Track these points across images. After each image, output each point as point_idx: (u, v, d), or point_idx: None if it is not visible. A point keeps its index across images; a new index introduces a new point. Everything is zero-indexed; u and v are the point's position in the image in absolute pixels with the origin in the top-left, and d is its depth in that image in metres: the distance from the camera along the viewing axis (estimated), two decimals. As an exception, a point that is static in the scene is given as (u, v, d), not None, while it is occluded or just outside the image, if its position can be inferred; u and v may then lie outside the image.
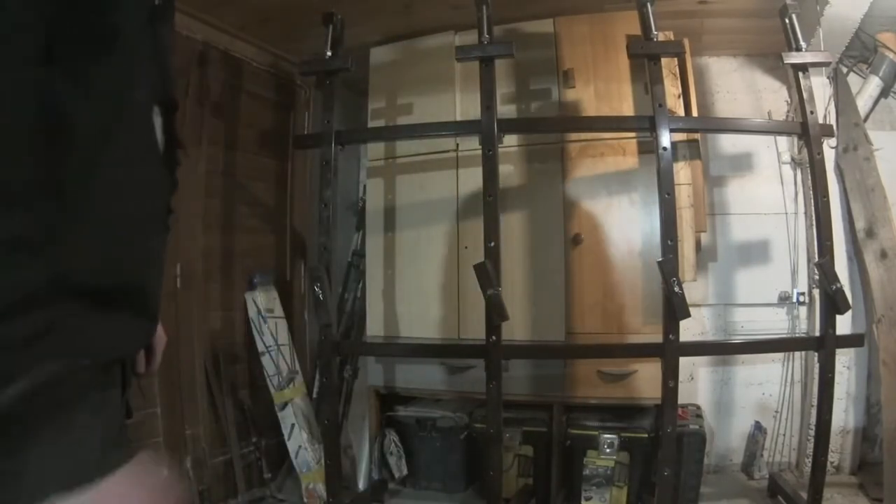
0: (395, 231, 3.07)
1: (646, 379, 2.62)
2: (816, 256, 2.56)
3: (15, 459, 0.50)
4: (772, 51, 3.03)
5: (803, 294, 3.16)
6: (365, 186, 3.33)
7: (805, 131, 2.47)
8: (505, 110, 2.80)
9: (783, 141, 3.25)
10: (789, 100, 3.25)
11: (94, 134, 0.60)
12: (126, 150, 0.65)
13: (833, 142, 2.98)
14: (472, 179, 2.75)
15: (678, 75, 2.76)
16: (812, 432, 2.79)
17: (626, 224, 2.79)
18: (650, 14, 2.40)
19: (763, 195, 3.24)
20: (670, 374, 2.29)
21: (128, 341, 0.68)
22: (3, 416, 0.48)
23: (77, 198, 0.58)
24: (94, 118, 0.60)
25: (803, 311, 3.18)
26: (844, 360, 2.96)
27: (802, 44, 2.48)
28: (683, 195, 2.66)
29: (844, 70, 3.15)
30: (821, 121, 2.64)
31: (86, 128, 0.59)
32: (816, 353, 2.48)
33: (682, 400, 2.47)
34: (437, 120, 2.82)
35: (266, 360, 2.98)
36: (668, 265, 2.24)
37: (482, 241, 2.31)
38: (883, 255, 2.81)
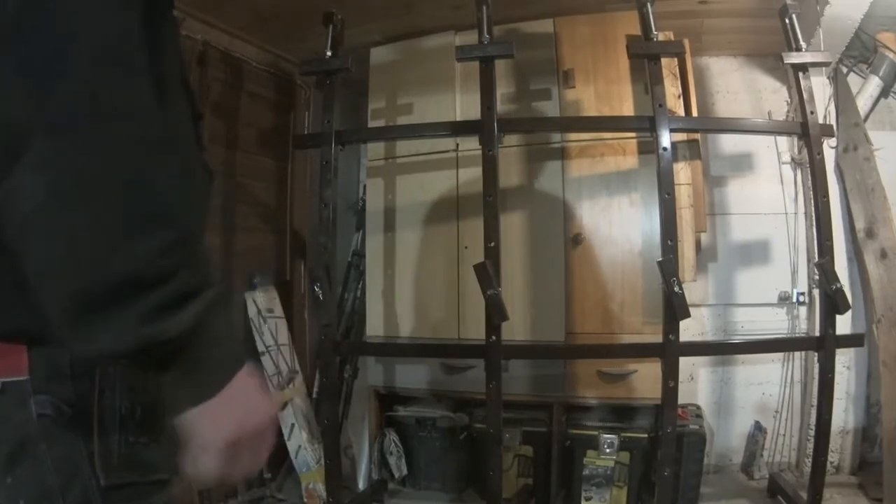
0: (395, 231, 3.07)
1: (646, 379, 2.62)
2: (816, 256, 2.56)
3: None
4: (772, 51, 3.02)
5: (803, 294, 3.16)
6: (365, 186, 3.33)
7: (805, 131, 2.47)
8: (505, 110, 2.80)
9: (783, 141, 3.25)
10: (789, 100, 3.25)
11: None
12: (191, 154, 0.80)
13: (833, 142, 2.97)
14: (472, 179, 2.75)
15: (678, 75, 2.77)
16: (812, 432, 2.79)
17: (626, 224, 2.78)
18: (650, 14, 2.40)
19: (763, 195, 3.24)
20: (670, 374, 2.29)
21: None
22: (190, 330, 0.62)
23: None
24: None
25: (803, 311, 3.18)
26: (844, 360, 2.96)
27: (802, 44, 2.48)
28: (683, 195, 2.66)
29: (844, 70, 3.15)
30: (821, 121, 2.64)
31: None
32: (816, 353, 2.48)
33: (682, 400, 2.47)
34: (437, 120, 2.82)
35: (266, 360, 2.98)
36: (668, 265, 2.24)
37: (482, 241, 2.31)
38: (883, 255, 2.81)
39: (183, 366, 0.64)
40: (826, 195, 2.46)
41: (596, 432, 2.71)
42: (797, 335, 3.17)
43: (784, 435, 3.15)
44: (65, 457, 0.68)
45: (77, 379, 0.68)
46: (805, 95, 2.47)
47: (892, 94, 3.11)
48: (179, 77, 0.82)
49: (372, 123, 3.11)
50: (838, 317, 2.39)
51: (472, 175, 2.75)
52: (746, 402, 3.22)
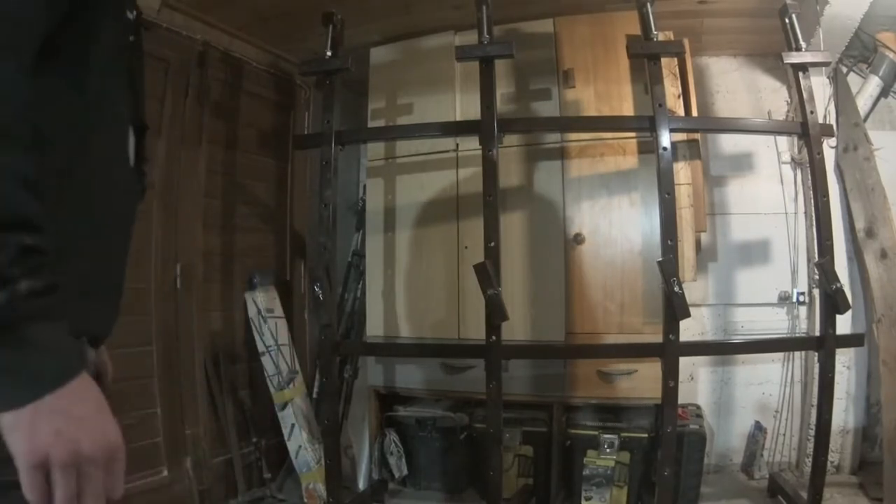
0: (395, 231, 3.07)
1: (646, 379, 2.62)
2: (816, 256, 2.56)
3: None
4: (772, 51, 3.03)
5: (803, 294, 3.16)
6: (365, 186, 3.33)
7: (805, 131, 2.47)
8: (505, 110, 2.80)
9: (783, 141, 3.25)
10: (789, 100, 3.25)
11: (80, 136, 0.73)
12: (107, 155, 0.78)
13: (833, 142, 2.97)
14: (472, 179, 2.75)
15: (678, 75, 2.77)
16: (812, 432, 2.79)
17: (626, 224, 2.78)
18: (650, 14, 2.40)
19: (763, 195, 3.24)
20: (670, 374, 2.29)
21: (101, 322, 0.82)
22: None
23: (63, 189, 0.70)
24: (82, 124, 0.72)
25: (803, 311, 3.18)
26: (844, 359, 2.96)
27: (802, 44, 2.48)
28: (683, 195, 2.66)
29: (844, 70, 3.15)
30: (821, 121, 2.64)
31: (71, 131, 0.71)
32: (816, 353, 2.48)
33: (682, 400, 2.47)
34: (437, 120, 2.82)
35: (266, 360, 2.98)
36: (668, 265, 2.24)
37: (482, 241, 2.31)
38: (883, 255, 2.81)
39: None
40: (826, 195, 2.46)
41: (596, 432, 2.72)
42: (797, 335, 3.17)
43: (784, 435, 3.15)
44: None
45: None
46: (805, 95, 2.47)
47: (892, 93, 3.11)
48: (123, 79, 0.80)
49: (372, 123, 3.11)
50: (838, 316, 2.39)
51: (471, 175, 2.76)
52: (746, 401, 3.22)
